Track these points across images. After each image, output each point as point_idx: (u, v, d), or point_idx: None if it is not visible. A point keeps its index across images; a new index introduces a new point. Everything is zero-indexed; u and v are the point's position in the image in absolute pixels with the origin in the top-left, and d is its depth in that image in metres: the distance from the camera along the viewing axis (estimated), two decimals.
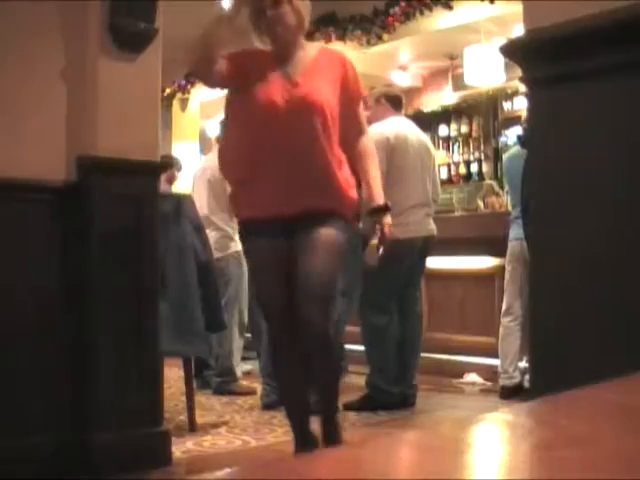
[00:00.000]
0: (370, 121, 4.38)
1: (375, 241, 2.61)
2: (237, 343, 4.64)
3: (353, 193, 2.60)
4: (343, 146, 2.59)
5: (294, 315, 2.50)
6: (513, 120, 7.22)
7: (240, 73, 2.53)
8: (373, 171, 2.65)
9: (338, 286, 2.76)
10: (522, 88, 5.67)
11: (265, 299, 2.64)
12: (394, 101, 4.27)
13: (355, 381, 4.70)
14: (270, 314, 2.63)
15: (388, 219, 2.61)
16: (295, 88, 2.50)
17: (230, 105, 2.67)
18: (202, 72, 2.59)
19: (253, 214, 2.56)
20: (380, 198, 2.62)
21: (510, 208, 4.64)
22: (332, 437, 2.60)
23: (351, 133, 2.64)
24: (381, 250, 2.62)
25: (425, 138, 4.37)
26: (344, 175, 2.57)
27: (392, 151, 4.02)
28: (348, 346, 5.32)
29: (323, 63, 2.58)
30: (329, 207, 2.51)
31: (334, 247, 2.50)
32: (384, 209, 2.61)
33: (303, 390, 2.75)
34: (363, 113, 2.75)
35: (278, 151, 2.48)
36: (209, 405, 4.23)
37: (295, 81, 2.52)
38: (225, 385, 4.57)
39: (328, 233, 2.48)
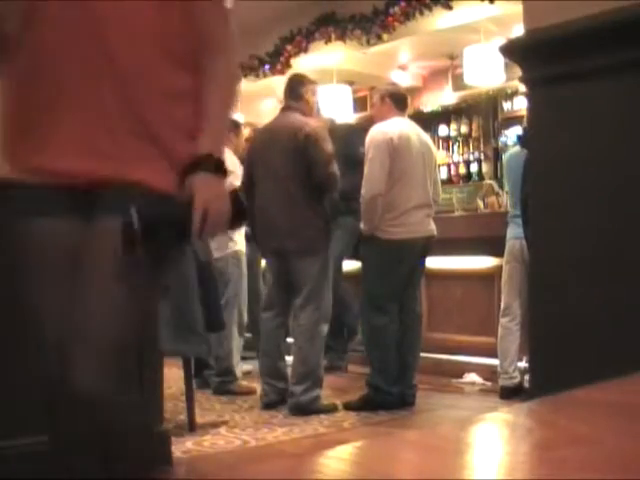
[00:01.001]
0: (373, 119, 4.39)
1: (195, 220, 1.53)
2: (237, 343, 4.64)
3: (186, 147, 1.58)
4: (191, 72, 1.62)
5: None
6: (513, 120, 7.22)
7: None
8: (216, 106, 1.62)
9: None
10: (522, 88, 5.67)
11: (38, 329, 1.78)
12: (399, 101, 4.27)
13: (355, 381, 4.70)
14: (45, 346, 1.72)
15: (211, 185, 1.55)
16: None
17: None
18: None
19: (25, 176, 1.61)
20: (213, 144, 1.59)
21: (510, 208, 4.64)
22: None
23: (196, 48, 1.62)
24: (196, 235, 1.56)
25: (427, 139, 4.37)
26: (179, 116, 1.59)
27: (395, 152, 4.02)
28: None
29: None
30: (138, 174, 1.52)
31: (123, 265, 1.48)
32: (210, 162, 1.56)
33: None
34: (224, 14, 1.69)
35: (63, 82, 1.55)
36: (209, 405, 4.23)
37: None
38: (225, 385, 4.57)
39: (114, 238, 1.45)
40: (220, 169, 1.57)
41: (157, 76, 1.58)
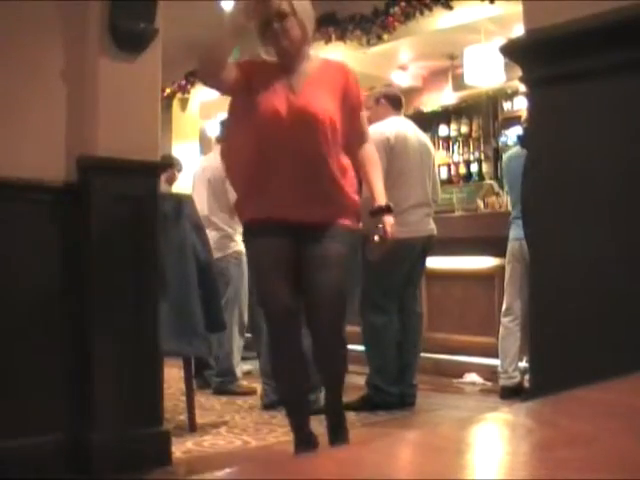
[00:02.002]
0: (370, 121, 4.39)
1: (377, 239, 2.69)
2: (237, 343, 4.64)
3: (356, 198, 2.72)
4: (347, 153, 2.70)
5: (298, 318, 2.64)
6: (513, 120, 7.22)
7: (247, 81, 2.61)
8: (375, 174, 2.77)
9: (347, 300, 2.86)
10: (522, 88, 5.67)
11: (268, 298, 2.64)
12: (394, 101, 4.28)
13: (355, 381, 4.70)
14: (272, 313, 2.64)
15: (390, 219, 2.70)
16: (297, 98, 2.58)
17: (234, 110, 2.75)
18: (211, 80, 2.65)
19: (259, 217, 2.64)
20: (382, 198, 2.72)
21: (510, 208, 4.64)
22: (339, 434, 2.77)
23: (354, 140, 2.74)
24: (382, 249, 2.71)
25: (425, 138, 4.37)
26: (349, 182, 2.68)
27: (392, 151, 4.02)
28: (348, 346, 5.32)
29: (325, 74, 2.67)
30: (334, 216, 2.63)
31: (342, 263, 2.64)
32: (386, 210, 2.70)
33: (303, 390, 2.86)
34: (365, 121, 2.84)
35: (282, 160, 2.56)
36: (209, 405, 4.23)
37: (297, 91, 2.60)
38: (225, 385, 4.57)
39: (338, 250, 2.61)
40: (390, 210, 2.71)
41: (338, 157, 2.63)
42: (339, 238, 2.62)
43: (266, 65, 2.68)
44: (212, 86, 2.72)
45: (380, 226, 2.68)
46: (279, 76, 2.64)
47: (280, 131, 2.54)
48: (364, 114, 2.84)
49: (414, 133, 4.22)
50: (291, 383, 2.77)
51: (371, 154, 2.80)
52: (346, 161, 2.69)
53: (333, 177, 2.60)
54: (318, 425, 3.47)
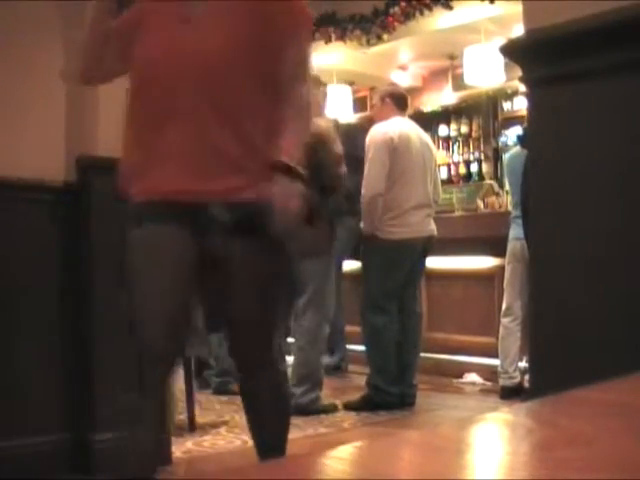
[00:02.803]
0: (374, 120, 4.39)
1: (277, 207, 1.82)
2: None
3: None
4: (277, 101, 1.92)
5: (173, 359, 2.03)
6: (513, 120, 7.22)
7: (132, 24, 1.99)
8: (295, 123, 1.92)
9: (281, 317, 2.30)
10: (522, 88, 5.67)
11: (145, 312, 1.97)
12: (399, 101, 4.28)
13: (355, 381, 4.70)
14: (147, 334, 1.98)
15: (287, 184, 1.83)
16: (192, 33, 1.89)
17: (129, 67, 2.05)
18: (95, 77, 2.17)
19: (147, 197, 1.91)
20: (288, 154, 1.87)
21: (510, 208, 4.64)
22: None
23: (284, 81, 1.92)
24: (282, 220, 1.84)
25: (427, 139, 4.37)
26: (275, 145, 1.88)
27: (395, 151, 4.02)
28: (348, 346, 5.33)
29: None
30: (251, 194, 1.85)
31: (271, 279, 1.96)
32: (285, 170, 1.85)
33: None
34: (306, 54, 2.02)
35: (172, 119, 1.87)
36: (209, 405, 4.23)
37: (193, 23, 1.89)
38: (225, 385, 4.57)
39: (262, 260, 1.89)
40: (295, 175, 1.85)
41: (254, 106, 1.89)
42: (264, 238, 1.85)
43: (157, 2, 1.98)
44: (99, 81, 2.22)
45: (274, 191, 1.82)
46: (174, 10, 1.92)
47: (165, 80, 1.88)
48: (305, 38, 2.04)
49: (417, 134, 4.22)
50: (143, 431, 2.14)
51: (304, 101, 1.95)
52: (279, 116, 1.91)
53: (244, 139, 1.87)
54: (318, 425, 3.48)
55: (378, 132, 4.09)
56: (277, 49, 1.90)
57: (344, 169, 3.96)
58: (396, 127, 4.10)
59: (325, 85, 4.32)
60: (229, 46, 1.86)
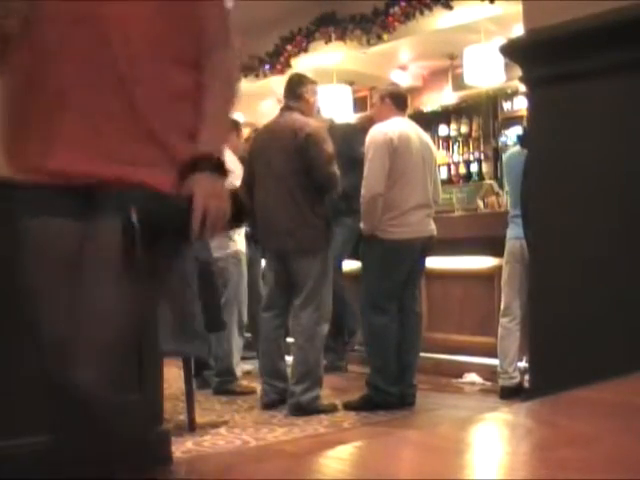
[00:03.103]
0: (374, 120, 4.39)
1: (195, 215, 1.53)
2: (236, 343, 4.64)
3: (180, 143, 1.60)
4: (191, 66, 1.65)
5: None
6: (513, 120, 7.22)
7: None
8: (212, 103, 1.62)
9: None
10: (522, 88, 5.67)
11: (43, 325, 1.71)
12: (399, 101, 4.27)
13: (355, 381, 4.70)
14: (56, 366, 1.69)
15: (204, 181, 1.55)
16: None
17: None
18: None
19: (28, 177, 1.61)
20: (210, 145, 1.61)
21: (510, 208, 4.64)
22: None
23: (196, 46, 1.65)
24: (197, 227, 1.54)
25: (427, 139, 4.37)
26: (176, 116, 1.61)
27: (395, 152, 4.02)
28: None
29: None
30: (129, 173, 1.54)
31: (116, 262, 1.52)
32: (202, 163, 1.56)
33: None
34: (220, 15, 1.71)
35: (51, 86, 1.57)
36: (209, 405, 4.23)
37: None
38: (225, 385, 4.57)
39: (115, 234, 1.50)
40: (219, 168, 1.57)
41: (158, 77, 1.59)
42: (124, 207, 1.49)
43: None
44: None
45: (188, 190, 1.54)
46: None
47: (49, 42, 1.56)
48: (220, 5, 1.72)
49: (417, 134, 4.22)
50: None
51: (221, 69, 1.66)
52: (181, 82, 1.62)
53: (141, 109, 1.56)
54: (318, 425, 3.48)
55: (378, 132, 4.09)
56: (186, 16, 1.64)
57: (336, 168, 3.97)
58: (396, 127, 4.10)
59: (315, 83, 4.31)
60: (128, 12, 1.57)
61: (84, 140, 1.55)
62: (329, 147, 3.98)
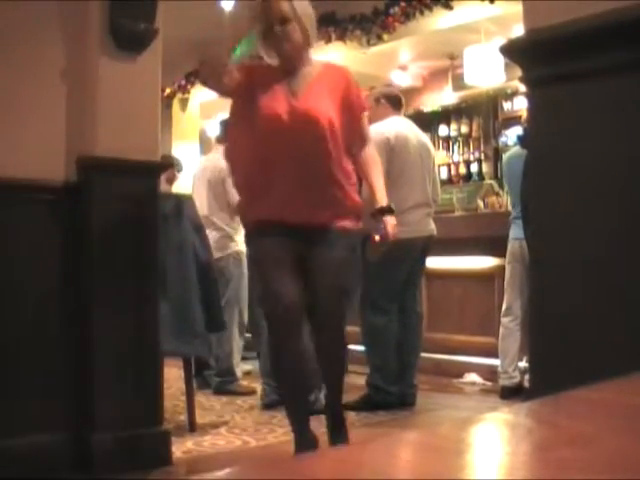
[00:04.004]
0: (370, 121, 4.39)
1: (378, 239, 2.77)
2: (237, 343, 4.64)
3: (358, 200, 2.77)
4: (348, 156, 2.74)
5: (300, 317, 2.63)
6: (513, 120, 7.22)
7: (248, 85, 2.63)
8: (376, 175, 2.84)
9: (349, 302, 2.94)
10: (522, 88, 5.68)
11: (270, 297, 2.63)
12: (394, 101, 4.28)
13: (355, 381, 4.70)
14: (274, 313, 2.63)
15: (392, 220, 2.79)
16: (298, 102, 2.61)
17: (236, 113, 2.77)
18: (213, 86, 2.70)
19: (261, 220, 2.66)
20: (383, 200, 2.80)
21: (510, 208, 4.64)
22: (339, 433, 2.82)
23: (355, 143, 2.78)
24: (381, 249, 2.81)
25: (425, 138, 4.37)
26: (351, 185, 2.73)
27: (392, 151, 4.02)
28: (348, 346, 5.32)
29: (326, 77, 2.70)
30: (336, 219, 2.66)
31: (344, 266, 2.70)
32: (387, 210, 2.79)
33: (305, 390, 2.92)
34: (366, 124, 2.89)
35: (284, 164, 2.59)
36: (209, 405, 4.23)
37: (298, 95, 2.63)
38: (225, 385, 4.57)
39: (340, 254, 2.66)
40: (392, 211, 2.80)
41: (342, 159, 2.67)
42: (342, 241, 2.67)
43: (268, 69, 2.71)
44: (213, 90, 2.76)
45: (382, 226, 2.76)
46: (280, 80, 2.67)
47: (282, 135, 2.57)
48: (365, 117, 2.88)
49: (414, 133, 4.22)
50: (293, 383, 2.77)
51: (372, 156, 2.86)
52: (348, 164, 2.73)
53: (335, 180, 2.65)
54: (318, 425, 3.47)
55: (375, 132, 4.07)
56: (351, 121, 2.70)
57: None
58: (393, 127, 4.10)
59: None
60: (324, 115, 2.59)
61: (299, 202, 2.62)
62: None
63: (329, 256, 2.64)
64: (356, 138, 2.79)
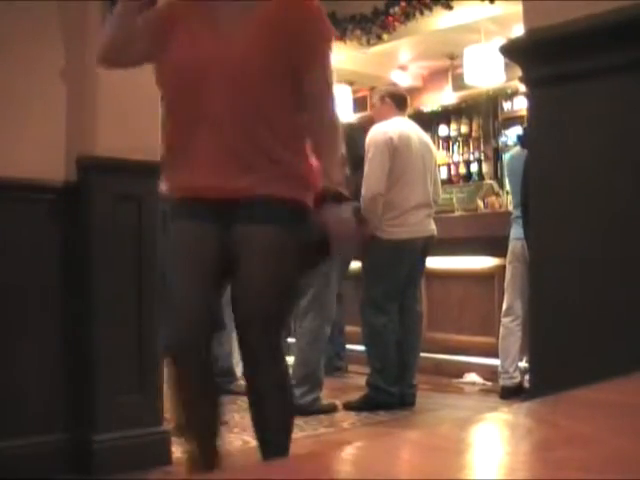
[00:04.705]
0: (374, 120, 4.39)
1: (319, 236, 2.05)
2: (237, 343, 4.64)
3: (308, 168, 2.08)
4: (301, 111, 2.08)
5: (203, 341, 2.06)
6: (513, 120, 7.23)
7: (159, 37, 2.08)
8: (327, 147, 2.07)
9: (298, 303, 2.32)
10: (522, 88, 5.67)
11: (176, 301, 2.06)
12: (399, 101, 4.28)
13: (355, 381, 4.70)
14: (177, 321, 2.04)
15: (336, 212, 2.02)
16: (225, 44, 2.01)
17: (157, 75, 2.17)
18: (115, 60, 2.20)
19: (181, 192, 2.11)
20: (330, 179, 2.03)
21: (511, 208, 4.64)
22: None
23: (308, 98, 2.06)
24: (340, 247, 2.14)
25: (427, 139, 4.38)
26: (298, 152, 2.06)
27: (395, 151, 4.02)
28: (348, 346, 5.33)
29: (268, 10, 2.03)
30: (270, 188, 2.00)
31: (282, 250, 1.99)
32: (332, 198, 2.02)
33: (213, 439, 2.20)
34: (330, 73, 2.12)
35: (204, 122, 2.01)
36: None
37: (226, 35, 2.02)
38: (225, 385, 4.57)
39: (274, 232, 1.98)
40: (341, 198, 2.01)
41: (278, 111, 2.02)
42: (277, 216, 1.98)
43: (189, 5, 2.09)
44: (119, 65, 2.25)
45: (322, 220, 2.02)
46: (204, 17, 2.06)
47: (202, 87, 1.99)
48: (329, 62, 2.12)
49: (416, 134, 4.22)
50: (198, 437, 2.14)
51: (330, 119, 2.08)
52: (296, 121, 2.07)
53: (272, 144, 2.01)
54: (318, 425, 3.47)
55: (378, 132, 4.10)
56: (301, 63, 2.03)
57: (346, 170, 3.97)
58: (396, 127, 4.11)
59: None
60: (252, 55, 1.98)
61: (221, 161, 1.99)
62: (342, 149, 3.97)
63: (256, 236, 1.97)
64: (311, 89, 2.04)
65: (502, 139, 7.55)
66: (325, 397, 4.11)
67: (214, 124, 1.99)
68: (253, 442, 3.33)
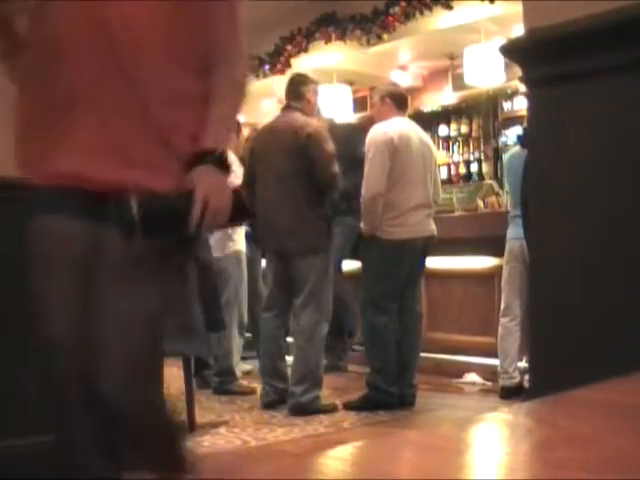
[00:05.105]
0: (374, 119, 4.39)
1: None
2: (236, 343, 4.64)
3: (187, 145, 1.61)
4: (190, 72, 1.66)
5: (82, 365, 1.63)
6: (513, 120, 7.22)
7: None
8: (223, 107, 1.64)
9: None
10: (522, 88, 5.67)
11: (47, 329, 1.71)
12: (399, 101, 4.28)
13: (355, 381, 4.70)
14: (52, 356, 1.69)
15: (206, 175, 1.56)
16: None
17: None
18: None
19: (42, 182, 1.71)
20: (210, 140, 1.60)
21: (510, 208, 4.64)
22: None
23: (205, 52, 1.66)
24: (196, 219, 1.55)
25: (427, 139, 4.38)
26: (184, 119, 1.63)
27: (395, 151, 4.02)
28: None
29: None
30: (136, 178, 1.57)
31: (146, 261, 1.57)
32: (206, 159, 1.57)
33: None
34: (237, 30, 1.71)
35: (54, 83, 1.64)
36: (209, 405, 4.23)
37: None
38: (225, 385, 4.57)
39: (135, 246, 1.56)
40: (222, 164, 1.59)
41: (166, 80, 1.62)
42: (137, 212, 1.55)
43: None
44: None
45: (189, 184, 1.55)
46: None
47: (58, 42, 1.62)
48: (235, 18, 1.70)
49: (417, 134, 4.22)
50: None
51: (228, 74, 1.66)
52: (186, 86, 1.65)
53: (157, 107, 1.60)
54: (318, 425, 3.48)
55: (378, 132, 4.10)
56: (197, 21, 1.65)
57: (337, 168, 3.98)
58: (396, 127, 4.11)
59: (316, 83, 4.32)
60: (136, 13, 1.60)
61: (94, 141, 1.58)
62: (330, 147, 3.99)
63: (112, 255, 1.57)
64: (205, 40, 1.65)
65: (502, 139, 7.55)
66: (325, 397, 4.12)
67: (79, 86, 1.61)
68: (253, 442, 3.35)
